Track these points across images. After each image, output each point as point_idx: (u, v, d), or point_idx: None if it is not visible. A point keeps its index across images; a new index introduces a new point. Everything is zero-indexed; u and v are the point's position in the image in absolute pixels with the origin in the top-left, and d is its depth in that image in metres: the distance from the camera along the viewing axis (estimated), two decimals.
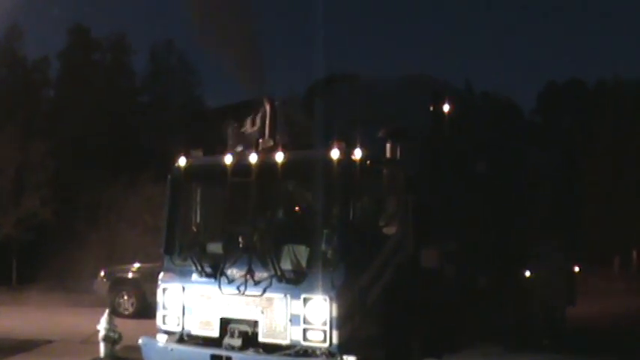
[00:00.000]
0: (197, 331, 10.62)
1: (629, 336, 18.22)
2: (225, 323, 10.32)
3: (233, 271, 10.21)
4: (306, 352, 9.66)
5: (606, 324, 20.68)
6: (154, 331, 11.22)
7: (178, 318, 10.80)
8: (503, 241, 13.95)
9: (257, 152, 10.59)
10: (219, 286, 10.26)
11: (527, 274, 15.21)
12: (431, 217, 11.35)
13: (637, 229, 42.86)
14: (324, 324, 9.52)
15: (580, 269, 18.26)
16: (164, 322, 11.01)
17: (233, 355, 9.89)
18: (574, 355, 15.43)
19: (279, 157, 10.14)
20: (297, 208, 11.15)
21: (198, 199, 11.58)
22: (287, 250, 10.07)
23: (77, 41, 42.91)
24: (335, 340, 9.48)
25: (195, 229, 11.50)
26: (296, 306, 9.70)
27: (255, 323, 10.07)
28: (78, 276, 24.74)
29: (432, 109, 12.37)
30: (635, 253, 42.14)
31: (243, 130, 11.34)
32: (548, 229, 16.31)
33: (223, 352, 10.03)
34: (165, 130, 32.83)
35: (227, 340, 10.22)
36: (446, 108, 12.32)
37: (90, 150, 35.04)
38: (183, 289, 10.72)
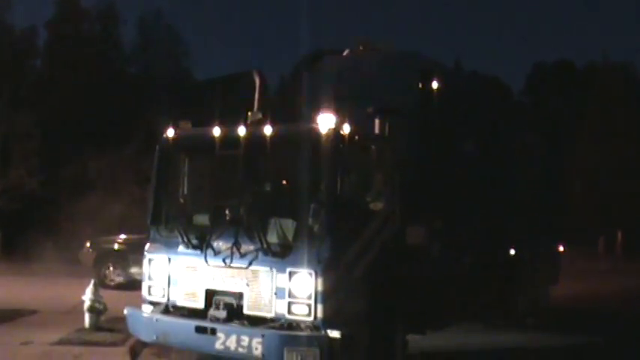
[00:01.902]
0: (182, 302, 10.63)
1: (613, 315, 18.38)
2: (210, 295, 10.34)
3: (219, 243, 10.21)
4: (291, 325, 9.66)
5: (590, 303, 20.87)
6: (139, 303, 11.22)
7: (164, 289, 10.81)
8: (488, 220, 14.02)
9: (245, 125, 10.59)
10: (205, 258, 10.26)
11: (512, 252, 15.30)
12: (418, 195, 11.37)
13: (622, 211, 43.14)
14: (309, 298, 9.52)
15: (565, 249, 18.38)
16: (149, 293, 11.02)
17: (218, 326, 9.87)
18: (557, 333, 15.55)
19: (267, 130, 10.14)
20: (284, 182, 11.15)
21: (185, 170, 11.56)
22: (274, 223, 10.04)
23: (65, 11, 42.65)
24: (319, 315, 9.49)
25: (182, 201, 11.50)
26: (281, 279, 9.71)
27: (240, 295, 10.08)
28: (64, 247, 24.74)
29: (420, 86, 12.36)
30: (619, 234, 42.41)
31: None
32: (534, 209, 16.39)
33: (208, 324, 10.01)
34: (154, 102, 32.71)
35: (212, 312, 10.23)
36: (434, 86, 12.32)
37: (77, 120, 34.90)
38: (169, 260, 10.73)
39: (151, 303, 11.03)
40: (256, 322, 9.90)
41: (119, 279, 21.91)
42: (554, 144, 19.19)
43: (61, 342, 12.95)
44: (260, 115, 11.12)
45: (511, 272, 15.02)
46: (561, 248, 18.34)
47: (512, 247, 15.32)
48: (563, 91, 54.83)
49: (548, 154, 18.13)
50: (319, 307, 9.47)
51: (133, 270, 19.76)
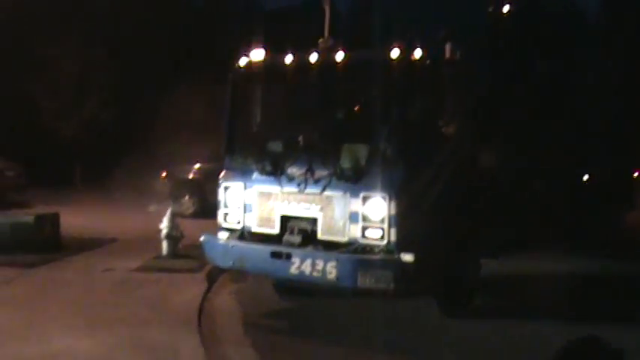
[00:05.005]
0: (257, 228, 10.77)
1: None
2: (284, 221, 10.46)
3: (293, 170, 10.29)
4: (364, 249, 9.73)
5: None
6: (214, 230, 11.43)
7: (239, 216, 10.96)
8: (561, 145, 13.89)
9: (317, 52, 10.62)
10: (280, 185, 10.40)
11: (586, 177, 15.16)
12: (489, 118, 11.34)
13: None
14: (383, 222, 9.57)
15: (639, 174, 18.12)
16: (225, 220, 11.18)
17: (292, 251, 10.00)
18: (632, 260, 15.42)
19: (339, 56, 10.15)
20: (356, 107, 11.18)
21: (258, 98, 11.67)
22: (346, 148, 10.08)
23: None
24: (393, 238, 9.54)
25: (255, 129, 11.62)
26: (355, 204, 9.76)
27: (314, 221, 10.17)
28: (140, 177, 25.16)
29: (491, 10, 12.26)
30: None
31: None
32: (607, 133, 16.17)
33: (283, 249, 10.14)
34: (225, 32, 32.76)
35: (287, 237, 10.37)
36: (505, 9, 12.20)
37: (149, 52, 35.09)
38: (244, 187, 10.85)
39: (227, 230, 11.19)
40: (330, 246, 9.99)
41: (195, 207, 22.32)
42: (633, 70, 18.79)
43: (140, 269, 13.34)
44: (331, 42, 11.14)
45: (585, 198, 14.89)
46: (636, 174, 18.07)
47: (586, 173, 15.19)
48: None
49: (626, 81, 17.79)
50: (392, 230, 9.52)
51: (208, 198, 19.99)
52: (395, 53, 9.80)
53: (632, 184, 17.94)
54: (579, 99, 15.05)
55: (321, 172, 10.03)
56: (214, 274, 12.97)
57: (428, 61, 10.12)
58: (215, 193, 11.53)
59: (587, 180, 15.17)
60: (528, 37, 13.00)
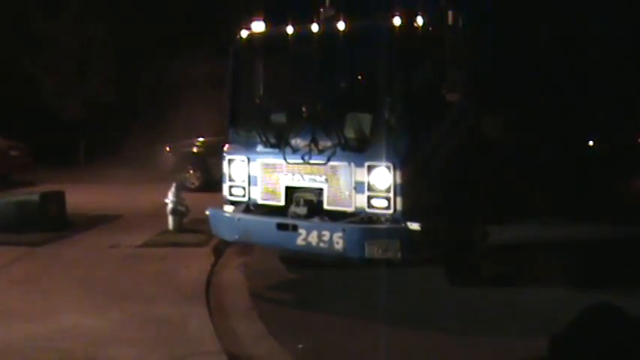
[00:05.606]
0: (263, 200, 10.73)
1: None
2: (290, 192, 10.42)
3: (297, 141, 10.23)
4: (371, 219, 9.70)
5: None
6: (219, 204, 11.41)
7: (244, 189, 10.92)
8: (566, 111, 13.82)
9: (318, 22, 10.54)
10: (284, 156, 10.35)
11: (591, 143, 15.09)
12: (493, 85, 11.28)
13: None
14: (388, 191, 9.52)
15: None
16: (230, 193, 11.14)
17: (299, 223, 9.98)
18: (637, 226, 15.34)
19: (341, 25, 10.08)
20: (359, 77, 11.11)
21: (260, 70, 11.60)
22: (350, 118, 10.03)
23: None
24: (399, 207, 9.49)
25: (258, 101, 11.57)
26: (360, 174, 9.71)
27: (319, 192, 10.13)
28: (143, 153, 25.16)
29: None
30: None
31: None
32: (615, 100, 16.06)
33: (289, 221, 10.12)
34: (226, 3, 32.56)
35: (293, 209, 10.33)
36: None
37: (149, 26, 34.91)
38: (249, 160, 10.81)
39: (232, 203, 11.16)
40: (336, 217, 9.97)
41: (199, 181, 22.33)
42: None
43: (146, 244, 13.35)
44: (333, 12, 11.04)
45: (590, 165, 14.83)
46: None
47: (591, 139, 15.11)
48: None
49: (634, 46, 17.65)
50: (398, 199, 9.48)
51: (213, 172, 19.97)
52: (397, 21, 9.73)
53: (638, 150, 17.83)
54: (585, 64, 14.93)
55: (325, 143, 9.98)
56: (221, 248, 12.99)
57: (430, 28, 10.05)
58: (219, 167, 11.50)
59: (592, 146, 15.09)
60: (535, 4, 12.92)
